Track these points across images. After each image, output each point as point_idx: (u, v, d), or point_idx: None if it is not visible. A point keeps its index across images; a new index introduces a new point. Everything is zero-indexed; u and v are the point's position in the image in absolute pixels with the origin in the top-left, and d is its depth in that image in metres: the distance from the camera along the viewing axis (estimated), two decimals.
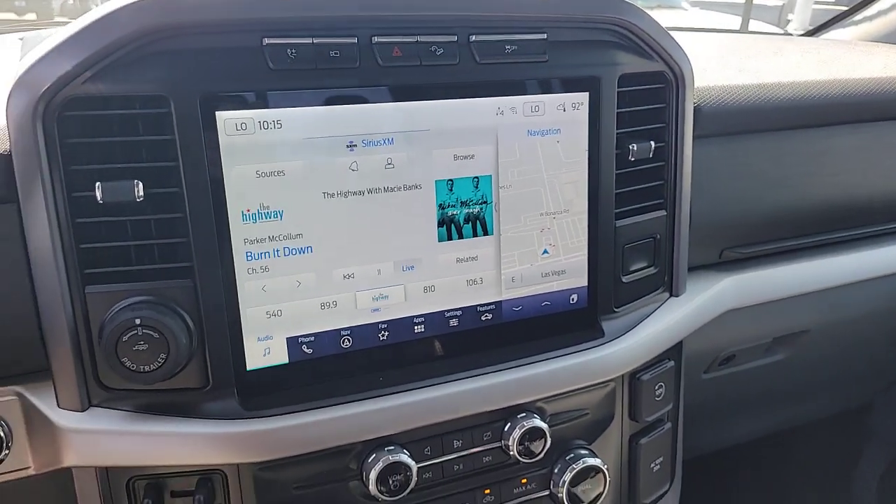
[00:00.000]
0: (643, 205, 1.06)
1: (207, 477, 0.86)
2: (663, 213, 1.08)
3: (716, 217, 1.17)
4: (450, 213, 0.93)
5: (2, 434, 0.82)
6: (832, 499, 1.95)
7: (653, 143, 1.02)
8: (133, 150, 0.78)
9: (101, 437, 0.82)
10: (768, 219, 1.22)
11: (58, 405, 0.83)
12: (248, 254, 0.84)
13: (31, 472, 0.84)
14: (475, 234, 0.95)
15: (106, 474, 0.85)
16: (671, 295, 1.13)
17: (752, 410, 1.59)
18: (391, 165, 0.88)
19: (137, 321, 0.78)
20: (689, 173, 1.08)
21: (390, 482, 0.90)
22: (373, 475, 0.89)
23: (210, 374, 0.84)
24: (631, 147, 1.00)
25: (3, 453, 0.82)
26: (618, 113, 0.98)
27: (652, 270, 1.09)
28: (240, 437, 0.84)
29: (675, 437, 1.21)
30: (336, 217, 0.87)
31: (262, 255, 0.85)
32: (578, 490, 1.04)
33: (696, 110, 1.08)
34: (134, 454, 0.83)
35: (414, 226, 0.91)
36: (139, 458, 0.83)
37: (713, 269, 1.22)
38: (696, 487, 1.40)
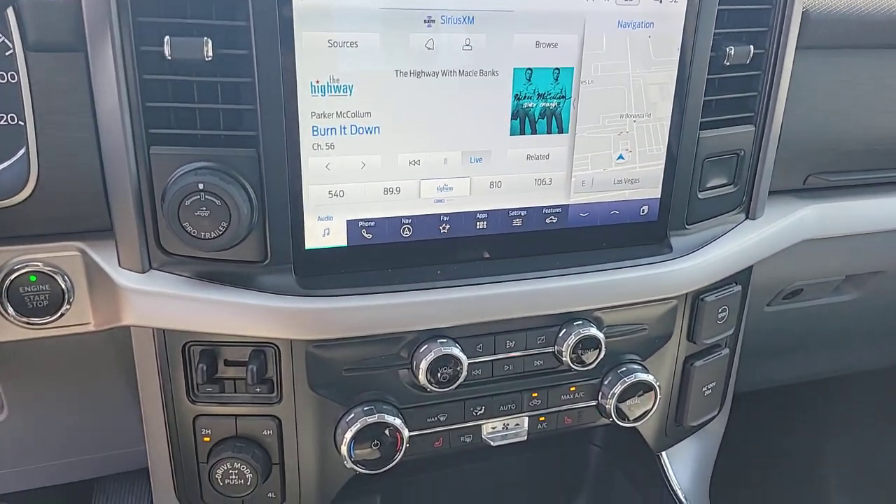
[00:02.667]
0: (731, 116, 0.98)
1: (261, 349, 0.87)
2: (751, 127, 1.00)
3: (807, 139, 1.08)
4: (525, 106, 0.87)
5: (64, 287, 0.83)
6: (875, 451, 1.90)
7: (752, 47, 0.94)
8: (204, 5, 0.74)
9: (160, 300, 0.82)
10: (863, 146, 1.13)
11: (119, 265, 0.83)
12: (315, 128, 0.81)
13: (90, 327, 0.86)
14: (549, 131, 0.90)
15: (163, 336, 0.86)
16: (747, 217, 1.07)
17: (809, 351, 1.54)
18: (469, 47, 0.83)
19: (200, 186, 0.76)
20: (786, 87, 1.00)
21: (440, 374, 0.90)
22: (423, 365, 0.89)
23: (269, 248, 0.83)
24: (728, 50, 0.92)
25: (65, 307, 0.84)
26: (718, 10, 0.90)
27: (731, 189, 1.03)
28: (293, 314, 0.83)
29: (730, 364, 1.18)
30: (407, 98, 0.83)
31: (329, 131, 0.82)
32: (626, 404, 1.02)
33: (804, 16, 0.98)
34: (190, 319, 0.83)
35: (486, 115, 0.86)
36: (195, 323, 0.83)
37: (795, 195, 1.15)
38: (741, 420, 1.38)
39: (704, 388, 1.12)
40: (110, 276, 0.83)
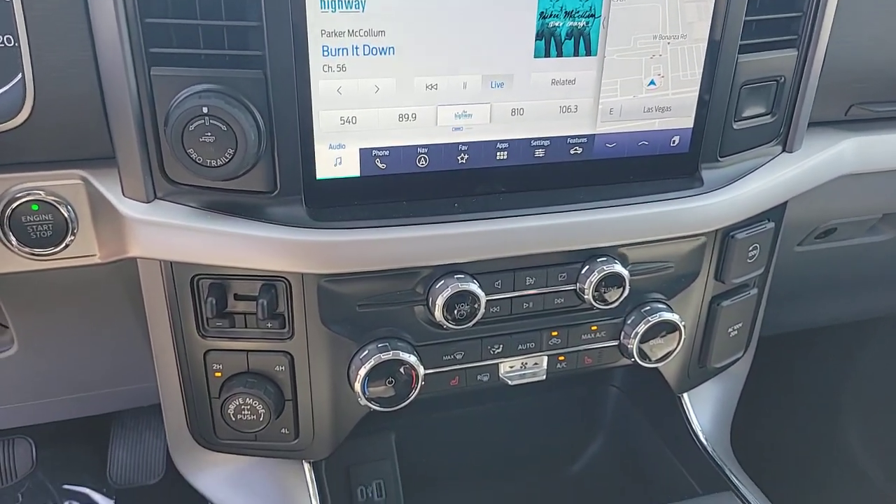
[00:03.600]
0: (773, 39, 0.91)
1: (271, 283, 0.84)
2: (794, 51, 0.93)
3: (853, 65, 1.01)
4: (551, 25, 0.81)
5: (67, 217, 0.80)
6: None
7: None
8: None
9: (166, 231, 0.79)
10: None
11: (123, 194, 0.80)
12: (325, 48, 0.75)
13: (97, 259, 0.83)
14: (576, 54, 0.84)
15: (171, 268, 0.83)
16: (784, 150, 1.01)
17: (838, 293, 1.49)
18: None
19: (205, 110, 0.72)
20: (833, 7, 0.92)
21: (456, 311, 0.86)
22: (440, 301, 0.85)
23: (278, 178, 0.79)
24: None
25: (69, 238, 0.81)
26: None
27: (768, 119, 0.96)
28: (304, 246, 0.80)
29: (758, 304, 1.13)
30: (424, 15, 0.77)
31: (340, 51, 0.76)
32: (649, 345, 0.99)
33: None
34: (197, 251, 0.80)
35: (509, 35, 0.80)
36: (203, 255, 0.80)
37: (835, 127, 1.08)
38: (764, 363, 1.34)
39: (730, 329, 1.08)
40: (114, 206, 0.80)
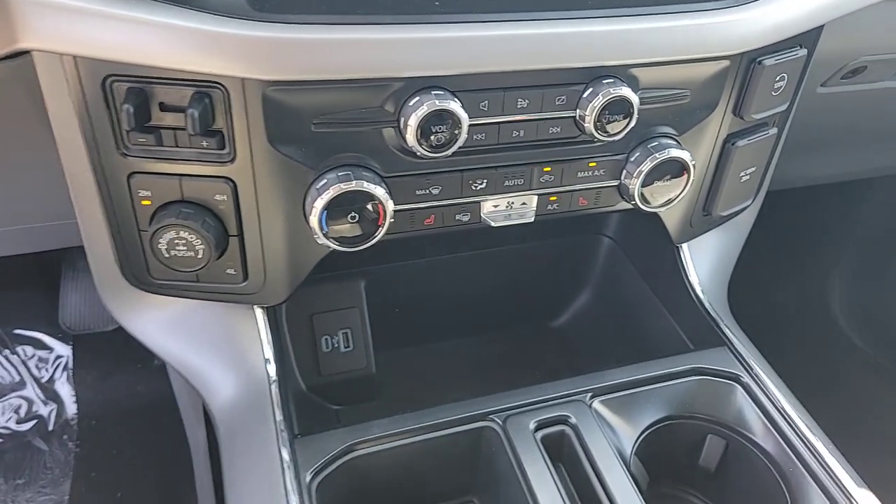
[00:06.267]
0: None
1: (204, 91, 0.68)
2: None
3: None
4: None
5: None
6: None
7: None
8: None
9: (63, 14, 0.62)
10: None
11: None
12: None
13: None
14: None
15: (75, 66, 0.66)
16: None
17: (857, 145, 1.36)
18: None
19: None
20: None
21: (433, 136, 0.72)
22: (413, 122, 0.71)
23: None
24: None
25: None
26: None
27: None
28: (243, 42, 0.64)
29: (775, 147, 1.00)
30: None
31: None
32: (653, 188, 0.87)
33: None
34: (105, 42, 0.63)
35: None
36: (113, 49, 0.64)
37: None
38: (767, 217, 1.23)
39: (742, 174, 0.96)
40: None
